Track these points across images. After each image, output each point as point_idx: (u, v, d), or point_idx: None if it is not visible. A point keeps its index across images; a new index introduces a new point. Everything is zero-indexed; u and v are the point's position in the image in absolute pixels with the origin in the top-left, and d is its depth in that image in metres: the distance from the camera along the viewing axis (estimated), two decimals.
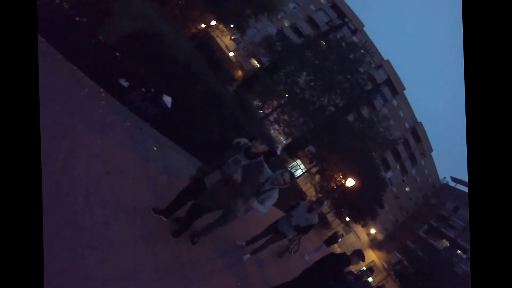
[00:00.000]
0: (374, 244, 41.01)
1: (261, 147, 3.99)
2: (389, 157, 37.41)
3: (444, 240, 38.08)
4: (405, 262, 35.48)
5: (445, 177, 47.16)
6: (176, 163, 6.82)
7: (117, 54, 7.64)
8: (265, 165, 4.16)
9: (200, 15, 23.34)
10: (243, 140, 4.18)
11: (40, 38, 5.47)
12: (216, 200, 3.99)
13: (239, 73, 33.24)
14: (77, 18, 6.26)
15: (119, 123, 5.96)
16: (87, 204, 3.56)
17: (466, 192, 39.89)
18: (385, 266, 38.66)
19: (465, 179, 41.04)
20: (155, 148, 6.50)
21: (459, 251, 35.41)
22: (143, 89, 7.96)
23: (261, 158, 4.06)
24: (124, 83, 7.42)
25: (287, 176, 4.18)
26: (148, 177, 5.07)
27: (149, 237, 3.98)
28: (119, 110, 6.38)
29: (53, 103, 4.54)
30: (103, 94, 6.29)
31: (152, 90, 8.16)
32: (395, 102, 39.84)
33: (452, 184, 44.33)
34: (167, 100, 8.37)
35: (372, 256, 39.45)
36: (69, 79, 5.54)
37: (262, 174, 4.10)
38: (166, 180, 5.64)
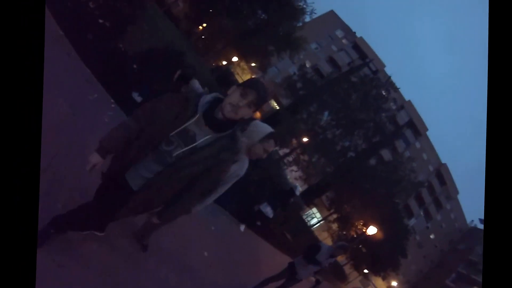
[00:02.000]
0: None
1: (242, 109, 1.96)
2: (412, 203, 35.85)
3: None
4: None
5: (473, 220, 44.19)
6: None
7: (135, 66, 7.26)
8: (240, 140, 2.40)
9: (223, 50, 23.56)
10: (195, 85, 2.48)
11: (60, 32, 5.11)
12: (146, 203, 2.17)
13: (257, 113, 33.15)
14: (101, 21, 5.89)
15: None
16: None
17: None
18: None
19: None
20: None
21: None
22: None
23: (236, 128, 2.11)
24: (137, 97, 6.95)
25: (270, 144, 2.61)
26: None
27: (135, 263, 3.09)
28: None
29: (57, 97, 4.01)
30: (113, 105, 5.82)
31: None
32: (418, 144, 38.85)
33: (481, 226, 41.57)
34: None
35: None
36: (80, 79, 5.12)
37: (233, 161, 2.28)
38: None
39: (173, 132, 1.98)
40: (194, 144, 1.99)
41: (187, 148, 1.99)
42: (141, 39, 8.41)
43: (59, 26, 4.93)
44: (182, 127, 1.97)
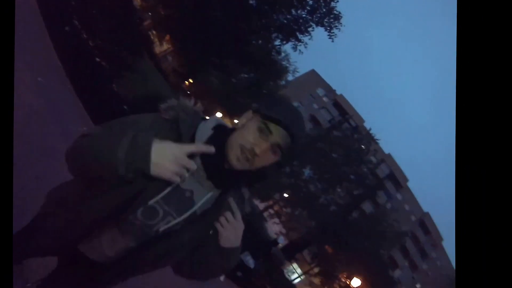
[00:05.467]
0: None
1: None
2: (397, 254, 35.31)
3: None
4: None
5: None
6: None
7: (125, 107, 7.65)
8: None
9: (208, 106, 24.39)
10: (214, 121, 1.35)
11: (58, 62, 5.48)
12: None
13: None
14: (98, 59, 6.40)
15: None
16: None
17: None
18: None
19: None
20: None
21: None
22: None
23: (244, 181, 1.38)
24: None
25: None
26: None
27: None
28: None
29: (48, 121, 4.28)
30: None
31: None
32: (399, 196, 39.10)
33: None
34: None
35: None
36: (72, 110, 5.36)
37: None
38: None
39: (158, 197, 1.20)
40: (192, 210, 1.26)
41: (181, 218, 1.25)
42: (133, 86, 8.92)
43: (58, 57, 5.33)
44: (171, 187, 1.19)
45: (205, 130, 1.27)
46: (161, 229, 1.24)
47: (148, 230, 1.24)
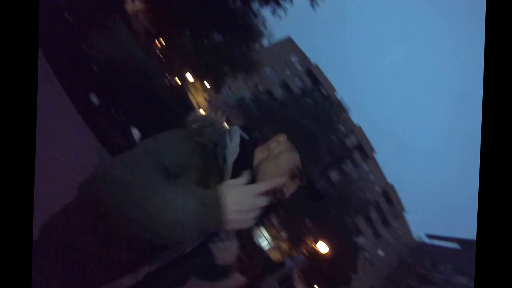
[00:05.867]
0: None
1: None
2: (360, 222, 36.99)
3: None
4: None
5: (420, 236, 46.44)
6: None
7: (94, 68, 7.22)
8: None
9: (178, 67, 23.56)
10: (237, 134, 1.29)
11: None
12: None
13: None
14: (66, 14, 5.89)
15: (75, 140, 5.20)
16: None
17: (443, 247, 39.32)
18: None
19: (439, 234, 41.17)
20: None
21: None
22: (113, 112, 7.35)
23: None
24: (94, 99, 6.86)
25: None
26: None
27: None
28: (79, 127, 5.66)
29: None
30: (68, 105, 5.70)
31: (122, 117, 7.57)
32: (365, 166, 40.37)
33: (428, 241, 43.52)
34: (136, 134, 7.74)
35: None
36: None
37: None
38: None
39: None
40: None
41: (206, 236, 1.18)
42: (103, 45, 8.42)
43: None
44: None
45: (233, 149, 1.21)
46: (187, 250, 1.19)
47: (175, 255, 1.18)
